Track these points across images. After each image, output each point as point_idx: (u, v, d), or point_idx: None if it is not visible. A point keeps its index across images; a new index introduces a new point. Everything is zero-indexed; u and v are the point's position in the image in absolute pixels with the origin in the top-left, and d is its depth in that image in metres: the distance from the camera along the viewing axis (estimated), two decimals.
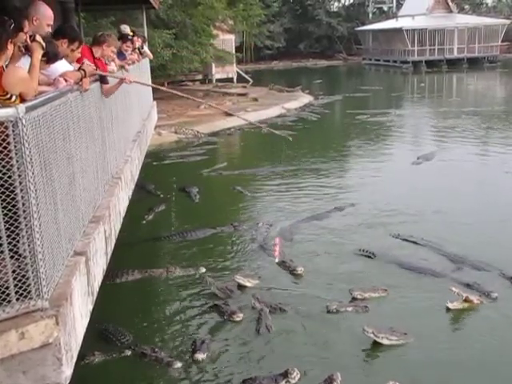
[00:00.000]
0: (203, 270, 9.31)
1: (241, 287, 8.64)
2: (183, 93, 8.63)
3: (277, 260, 8.73)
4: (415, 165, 15.86)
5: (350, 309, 7.75)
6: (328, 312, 7.71)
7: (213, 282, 8.75)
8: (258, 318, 7.66)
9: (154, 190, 13.94)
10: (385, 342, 6.94)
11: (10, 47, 4.01)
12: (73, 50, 5.85)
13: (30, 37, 4.43)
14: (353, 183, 14.52)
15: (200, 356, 6.84)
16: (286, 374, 6.21)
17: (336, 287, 8.59)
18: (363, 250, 9.81)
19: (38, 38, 4.42)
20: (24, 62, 4.40)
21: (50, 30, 5.28)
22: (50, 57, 4.77)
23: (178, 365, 6.71)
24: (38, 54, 4.37)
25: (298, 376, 6.21)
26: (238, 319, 7.68)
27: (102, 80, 6.43)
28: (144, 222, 11.80)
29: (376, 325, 7.13)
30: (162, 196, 13.64)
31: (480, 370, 6.52)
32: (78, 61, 6.28)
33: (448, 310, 7.72)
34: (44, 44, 4.46)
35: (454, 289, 7.79)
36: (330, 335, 7.29)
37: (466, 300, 7.75)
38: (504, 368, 6.54)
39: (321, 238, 10.67)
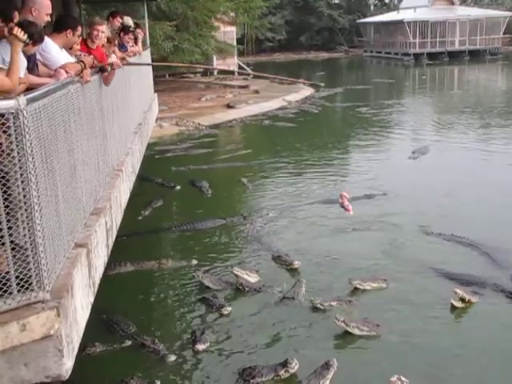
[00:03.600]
0: (195, 262, 9.32)
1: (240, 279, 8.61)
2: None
3: (351, 213, 8.42)
4: (412, 159, 15.77)
5: (334, 303, 7.72)
6: (313, 307, 7.71)
7: (203, 274, 8.67)
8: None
9: (170, 184, 13.93)
10: (356, 331, 6.98)
11: None
12: (79, 36, 6.00)
13: (9, 30, 4.35)
14: (348, 176, 14.57)
15: (201, 347, 6.87)
16: (285, 364, 6.28)
17: (331, 278, 8.64)
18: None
19: (16, 30, 4.30)
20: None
21: (49, 19, 5.28)
22: (36, 39, 4.68)
23: (172, 358, 6.73)
24: (17, 47, 4.27)
25: (297, 366, 6.27)
26: (225, 312, 7.69)
27: (102, 70, 6.46)
28: (144, 214, 11.80)
29: (349, 315, 7.27)
30: (178, 188, 13.68)
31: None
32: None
33: (453, 307, 7.63)
34: (23, 38, 4.35)
35: (458, 291, 7.64)
36: (323, 327, 7.31)
37: (469, 301, 7.69)
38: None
39: (323, 227, 10.74)
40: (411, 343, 6.90)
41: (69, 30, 5.81)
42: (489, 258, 9.18)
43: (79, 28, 6.03)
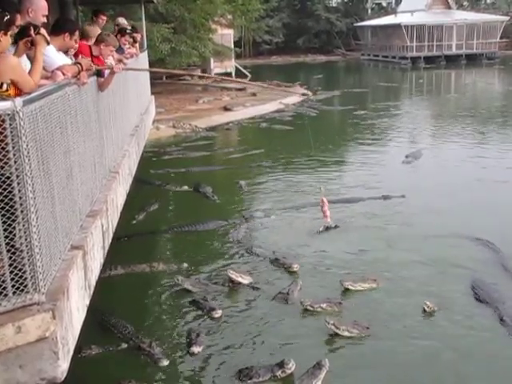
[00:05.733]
0: (185, 265, 9.32)
1: (232, 282, 8.60)
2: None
3: (329, 222, 8.56)
4: (405, 163, 15.73)
5: (324, 305, 7.75)
6: (304, 309, 7.74)
7: (183, 278, 8.63)
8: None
9: (172, 186, 13.98)
10: (346, 334, 7.04)
11: (4, 39, 3.99)
12: (76, 41, 6.01)
13: (35, 30, 4.42)
14: (341, 178, 14.66)
15: (196, 349, 6.86)
16: (282, 364, 6.32)
17: (325, 279, 8.71)
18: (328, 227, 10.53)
19: (43, 31, 4.40)
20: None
21: (45, 20, 5.29)
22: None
23: (169, 361, 6.70)
24: (42, 47, 4.35)
25: (294, 366, 6.31)
26: (216, 316, 7.68)
27: (99, 74, 6.46)
28: (139, 217, 11.79)
29: (339, 317, 7.37)
30: (186, 189, 13.73)
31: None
32: (75, 56, 6.39)
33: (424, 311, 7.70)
34: (48, 37, 4.46)
35: (428, 303, 7.65)
36: (315, 327, 7.34)
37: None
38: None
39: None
40: (399, 345, 6.94)
41: (67, 34, 5.83)
42: (484, 258, 9.26)
43: (77, 32, 6.04)
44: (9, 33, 4.04)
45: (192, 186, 13.84)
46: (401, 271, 8.86)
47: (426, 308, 7.61)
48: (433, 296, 7.96)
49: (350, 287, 8.26)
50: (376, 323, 7.33)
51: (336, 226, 10.67)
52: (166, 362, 6.69)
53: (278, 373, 6.27)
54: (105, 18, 10.00)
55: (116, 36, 10.13)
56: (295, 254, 9.65)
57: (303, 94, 29.14)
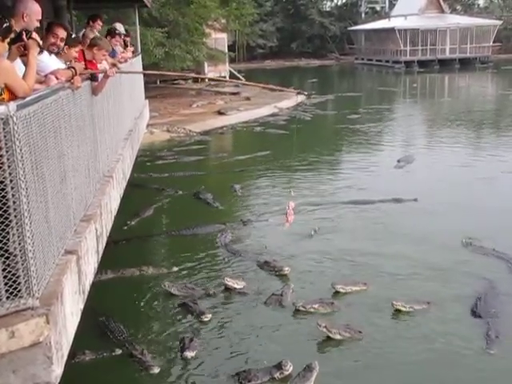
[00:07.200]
0: (175, 268, 9.34)
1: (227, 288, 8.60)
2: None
3: (285, 227, 8.62)
4: (397, 168, 15.74)
5: (316, 306, 7.80)
6: (296, 310, 7.79)
7: (169, 283, 8.62)
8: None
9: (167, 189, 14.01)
10: (337, 337, 7.10)
11: (1, 45, 3.98)
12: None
13: (26, 34, 4.41)
14: (332, 182, 14.71)
15: (189, 354, 6.86)
16: (279, 366, 6.38)
17: (317, 282, 8.77)
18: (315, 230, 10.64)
19: (35, 35, 4.39)
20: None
21: (38, 25, 5.27)
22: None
23: (156, 370, 6.64)
24: (35, 51, 4.34)
25: (292, 368, 6.37)
26: (206, 319, 7.69)
27: (92, 78, 6.45)
28: (134, 220, 11.77)
29: (331, 320, 7.40)
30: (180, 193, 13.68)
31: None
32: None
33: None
34: (40, 41, 4.45)
35: (395, 302, 7.76)
36: (307, 329, 7.37)
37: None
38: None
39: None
40: (390, 348, 6.98)
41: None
42: (480, 263, 9.28)
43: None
44: (6, 40, 4.03)
45: (187, 190, 13.82)
46: (393, 274, 8.89)
47: (395, 307, 7.70)
48: (425, 300, 7.99)
49: (340, 290, 8.34)
50: (366, 326, 7.36)
51: (315, 231, 10.68)
52: (157, 370, 6.64)
53: (277, 374, 6.33)
54: (101, 23, 9.99)
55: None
56: (287, 256, 9.67)
57: (299, 93, 29.14)
